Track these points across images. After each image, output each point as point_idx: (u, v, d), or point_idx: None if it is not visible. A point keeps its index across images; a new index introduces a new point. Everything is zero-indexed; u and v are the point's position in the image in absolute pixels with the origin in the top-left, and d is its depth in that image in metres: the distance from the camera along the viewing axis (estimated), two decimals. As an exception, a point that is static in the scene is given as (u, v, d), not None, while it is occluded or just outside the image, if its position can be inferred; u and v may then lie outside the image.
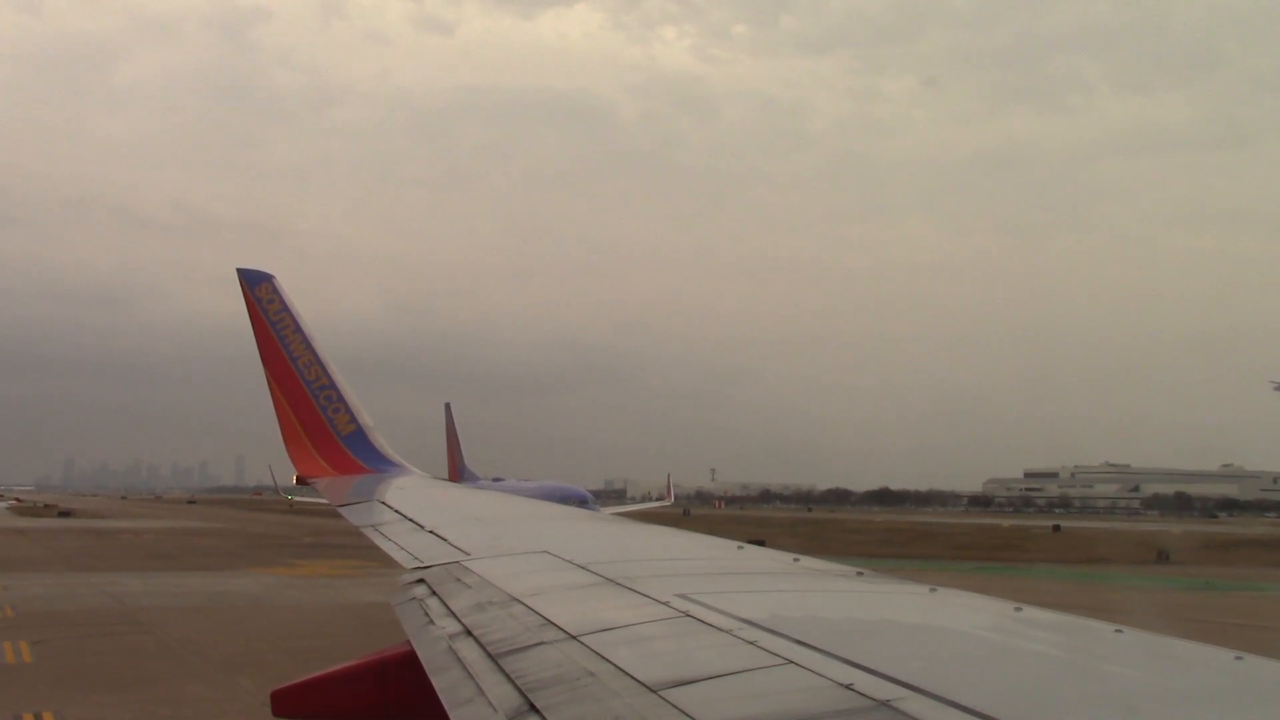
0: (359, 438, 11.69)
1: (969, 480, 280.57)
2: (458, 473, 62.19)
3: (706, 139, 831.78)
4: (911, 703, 2.69)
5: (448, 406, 68.38)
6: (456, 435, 66.17)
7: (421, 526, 7.20)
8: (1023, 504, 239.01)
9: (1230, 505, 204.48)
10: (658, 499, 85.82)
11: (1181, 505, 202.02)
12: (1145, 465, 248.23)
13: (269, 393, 11.69)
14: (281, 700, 5.39)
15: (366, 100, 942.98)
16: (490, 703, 3.27)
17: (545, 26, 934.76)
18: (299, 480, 11.78)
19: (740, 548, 5.96)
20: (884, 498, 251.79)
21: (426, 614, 4.65)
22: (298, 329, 11.72)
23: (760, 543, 7.11)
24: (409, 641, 4.50)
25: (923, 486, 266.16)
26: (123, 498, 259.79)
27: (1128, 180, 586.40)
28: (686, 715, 2.77)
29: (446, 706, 3.41)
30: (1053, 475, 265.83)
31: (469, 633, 4.12)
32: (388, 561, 6.45)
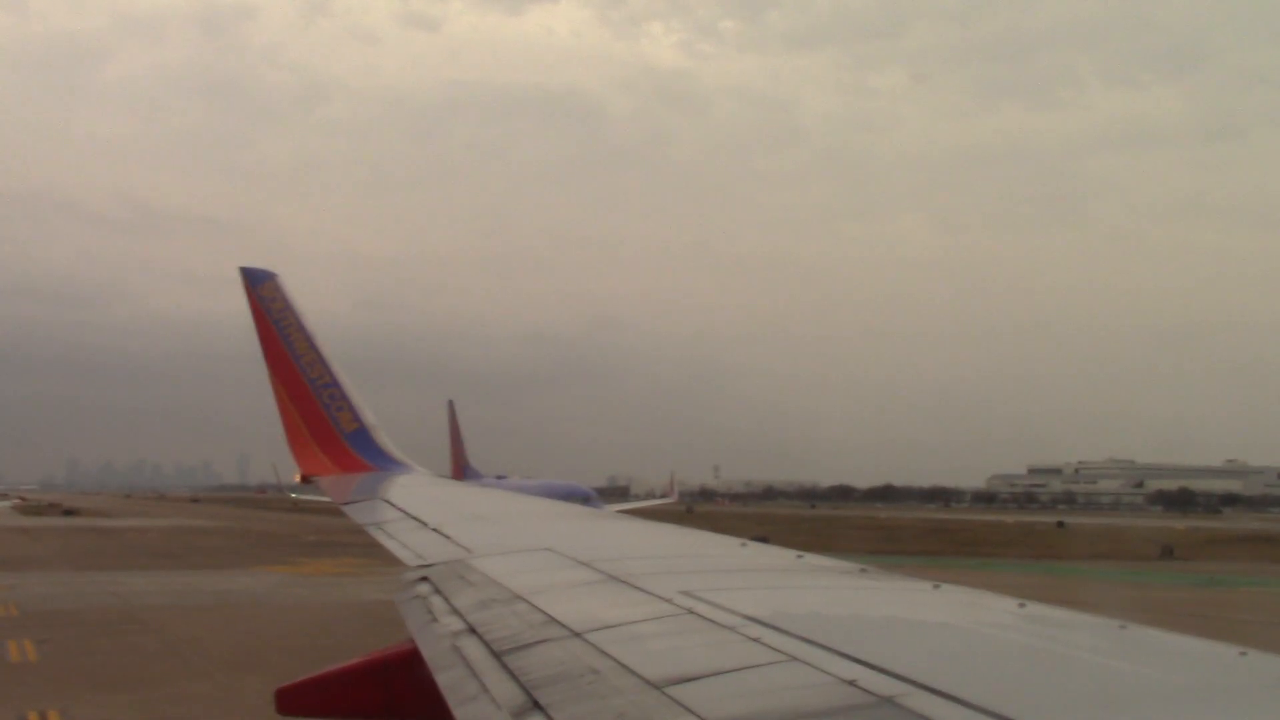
0: (362, 436, 11.68)
1: (973, 476, 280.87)
2: (461, 470, 62.21)
3: (697, 135, 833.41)
4: (915, 699, 2.68)
5: (450, 404, 68.47)
6: (459, 433, 66.21)
7: (425, 524, 7.19)
8: (1027, 500, 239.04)
9: (1234, 501, 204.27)
10: (661, 496, 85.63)
11: (1185, 501, 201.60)
12: (1149, 461, 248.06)
13: (272, 391, 11.69)
14: (286, 698, 5.41)
15: (353, 97, 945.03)
16: (494, 700, 3.27)
17: (531, 22, 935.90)
18: (302, 478, 11.78)
19: (743, 545, 5.96)
20: (887, 494, 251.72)
21: (430, 612, 4.65)
22: (300, 327, 11.72)
23: (763, 540, 7.10)
24: (413, 639, 4.50)
25: (926, 483, 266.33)
26: (126, 496, 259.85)
27: (1122, 175, 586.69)
28: (690, 712, 2.77)
29: (450, 704, 3.41)
30: (1056, 471, 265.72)
31: (473, 630, 4.11)
32: (391, 559, 6.45)
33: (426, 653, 4.10)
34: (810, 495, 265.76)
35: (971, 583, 5.01)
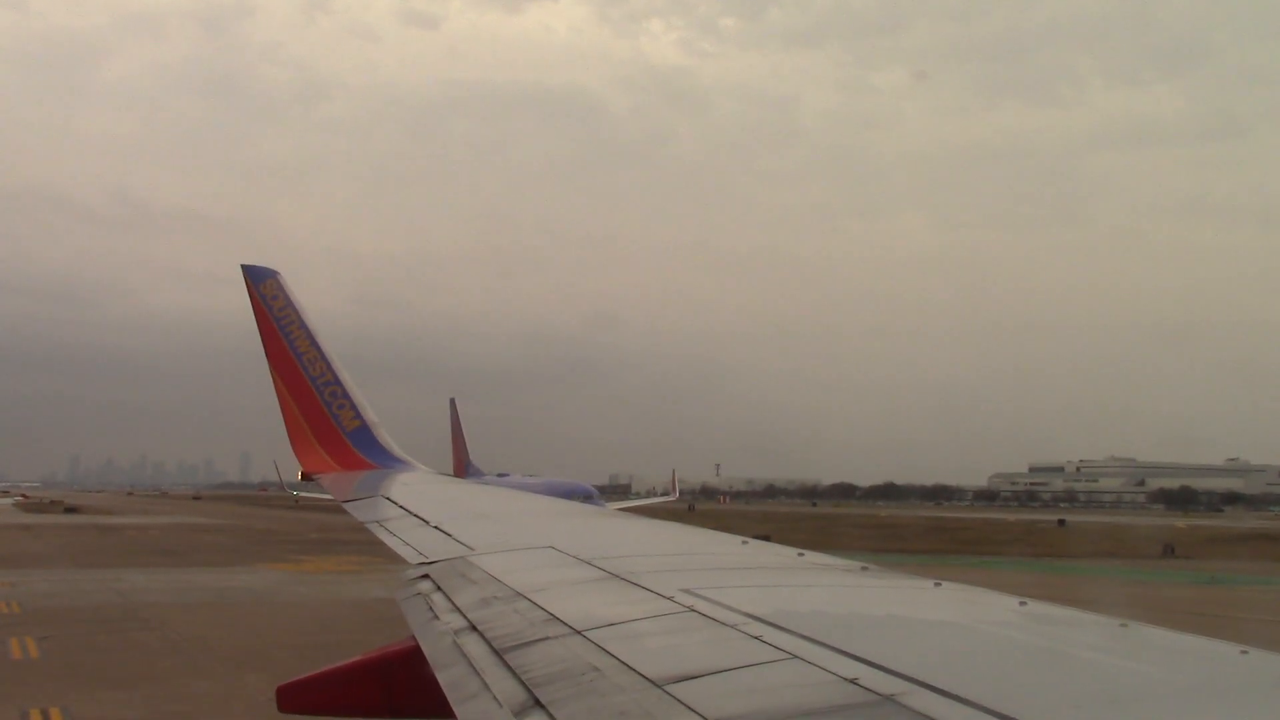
0: (364, 433, 11.68)
1: (974, 475, 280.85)
2: (463, 468, 62.19)
3: (697, 133, 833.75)
4: (916, 697, 2.68)
5: (452, 402, 68.43)
6: (461, 430, 66.19)
7: (426, 522, 7.19)
8: (1028, 498, 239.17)
9: (1235, 499, 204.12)
10: (663, 494, 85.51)
11: (1186, 499, 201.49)
12: (1150, 459, 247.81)
13: (273, 389, 11.69)
14: (287, 696, 5.41)
15: (353, 95, 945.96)
16: (495, 698, 3.27)
17: (531, 20, 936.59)
18: (304, 476, 11.78)
19: (745, 543, 5.95)
20: (889, 493, 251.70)
21: (431, 609, 4.65)
22: (302, 325, 11.72)
23: (765, 538, 7.09)
24: (414, 637, 4.50)
25: (927, 481, 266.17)
26: (128, 494, 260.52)
27: (1123, 173, 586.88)
28: (691, 710, 2.77)
29: (451, 702, 3.41)
30: (1058, 469, 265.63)
31: (474, 628, 4.11)
32: (393, 557, 6.45)
33: (428, 650, 4.10)
34: (812, 493, 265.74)
35: (973, 581, 5.01)
